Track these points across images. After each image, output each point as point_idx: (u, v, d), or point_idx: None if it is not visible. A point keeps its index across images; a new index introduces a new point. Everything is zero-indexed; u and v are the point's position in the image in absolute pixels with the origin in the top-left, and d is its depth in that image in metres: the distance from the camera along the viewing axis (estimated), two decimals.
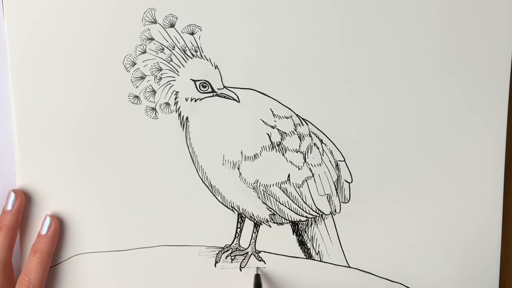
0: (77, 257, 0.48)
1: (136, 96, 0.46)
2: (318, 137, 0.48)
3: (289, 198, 0.48)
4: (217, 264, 0.49)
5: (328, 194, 0.49)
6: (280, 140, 0.47)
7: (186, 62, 0.46)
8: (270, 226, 0.49)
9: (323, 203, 0.49)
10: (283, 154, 0.48)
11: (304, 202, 0.49)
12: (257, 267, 0.49)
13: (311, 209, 0.49)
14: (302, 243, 0.50)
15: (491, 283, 0.51)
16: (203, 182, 0.48)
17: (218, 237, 0.49)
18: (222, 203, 0.48)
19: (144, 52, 0.45)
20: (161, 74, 0.46)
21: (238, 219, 0.49)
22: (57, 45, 0.45)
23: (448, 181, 0.49)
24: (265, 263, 0.49)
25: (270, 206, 0.48)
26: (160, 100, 0.46)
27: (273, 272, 0.50)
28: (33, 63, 0.45)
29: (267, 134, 0.47)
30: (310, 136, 0.48)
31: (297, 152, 0.48)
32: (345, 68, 0.47)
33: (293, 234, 0.50)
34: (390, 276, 0.50)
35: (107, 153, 0.47)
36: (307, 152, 0.48)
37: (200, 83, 0.46)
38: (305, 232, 0.50)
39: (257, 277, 0.49)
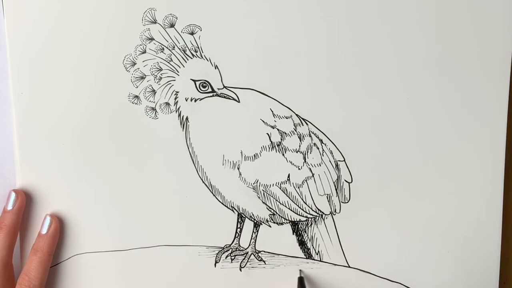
0: (77, 257, 0.48)
1: (136, 96, 0.46)
2: (318, 137, 0.48)
3: (289, 198, 0.48)
4: (217, 264, 0.49)
5: (328, 194, 0.49)
6: (280, 140, 0.47)
7: (186, 62, 0.46)
8: (270, 226, 0.49)
9: (323, 203, 0.49)
10: (283, 154, 0.48)
11: (304, 202, 0.49)
12: (300, 270, 0.49)
13: (311, 209, 0.49)
14: (302, 243, 0.50)
15: (491, 283, 0.51)
16: (203, 182, 0.48)
17: (218, 237, 0.49)
18: (222, 203, 0.48)
19: (144, 52, 0.45)
20: (161, 74, 0.46)
21: (238, 219, 0.49)
22: (57, 45, 0.45)
23: (448, 180, 0.49)
24: (265, 263, 0.49)
25: (270, 206, 0.48)
26: (160, 100, 0.46)
27: (273, 272, 0.50)
28: (33, 63, 0.45)
29: (267, 134, 0.47)
30: (310, 136, 0.48)
31: (297, 152, 0.48)
32: (345, 68, 0.47)
33: (293, 234, 0.50)
34: (390, 276, 0.50)
35: (107, 153, 0.47)
36: (307, 152, 0.48)
37: (200, 83, 0.46)
38: (305, 232, 0.50)
39: (301, 280, 0.48)
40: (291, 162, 0.48)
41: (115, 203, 0.47)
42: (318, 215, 0.49)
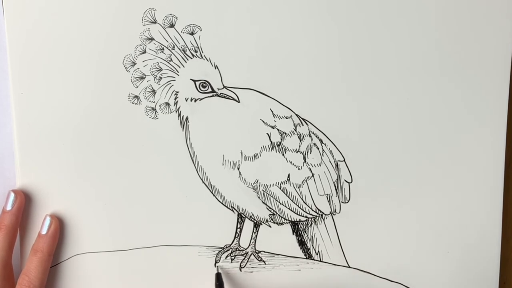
0: (77, 257, 0.48)
1: (136, 96, 0.46)
2: (318, 137, 0.48)
3: (289, 198, 0.48)
4: (217, 264, 0.49)
5: (328, 194, 0.49)
6: (280, 140, 0.47)
7: (186, 62, 0.46)
8: (270, 226, 0.49)
9: (323, 203, 0.49)
10: (283, 154, 0.48)
11: (304, 202, 0.49)
12: (218, 266, 0.49)
13: (311, 209, 0.49)
14: (302, 243, 0.50)
15: (491, 283, 0.51)
16: (203, 182, 0.48)
17: (218, 237, 0.49)
18: (222, 203, 0.48)
19: (144, 52, 0.45)
20: (161, 74, 0.46)
21: (238, 219, 0.49)
22: (57, 45, 0.45)
23: (448, 181, 0.49)
24: (265, 263, 0.49)
25: (270, 206, 0.48)
26: (160, 100, 0.46)
27: (273, 272, 0.50)
28: (33, 63, 0.45)
29: (267, 134, 0.47)
30: (310, 136, 0.48)
31: (297, 152, 0.48)
32: (345, 68, 0.47)
33: (293, 234, 0.50)
34: (390, 276, 0.50)
35: (107, 153, 0.47)
36: (307, 152, 0.48)
37: (200, 83, 0.46)
38: (305, 232, 0.50)
39: (218, 276, 0.48)
40: (291, 162, 0.48)
41: (115, 203, 0.47)
42: (318, 215, 0.49)
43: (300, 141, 0.48)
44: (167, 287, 0.49)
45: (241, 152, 0.47)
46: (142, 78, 0.46)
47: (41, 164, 0.46)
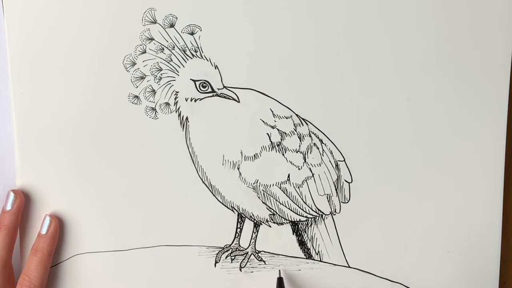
0: (77, 257, 0.48)
1: (136, 96, 0.46)
2: (318, 137, 0.48)
3: (289, 198, 0.48)
4: (217, 264, 0.49)
5: (328, 194, 0.49)
6: (280, 140, 0.47)
7: (186, 62, 0.46)
8: (270, 226, 0.49)
9: (323, 203, 0.49)
10: (283, 154, 0.48)
11: (304, 202, 0.49)
12: (280, 270, 0.49)
13: (311, 209, 0.49)
14: (302, 243, 0.50)
15: (491, 283, 0.51)
16: (203, 182, 0.48)
17: (218, 237, 0.49)
18: (222, 203, 0.48)
19: (144, 52, 0.45)
20: (161, 74, 0.46)
21: (238, 219, 0.49)
22: (57, 45, 0.45)
23: (448, 181, 0.49)
24: (265, 263, 0.49)
25: (270, 206, 0.48)
26: (160, 100, 0.46)
27: (273, 272, 0.50)
28: (33, 63, 0.45)
29: (267, 134, 0.47)
30: (310, 136, 0.48)
31: (297, 152, 0.48)
32: (345, 69, 0.47)
33: (293, 234, 0.50)
34: (390, 276, 0.50)
35: (107, 153, 0.47)
36: (307, 152, 0.48)
37: (200, 83, 0.46)
38: (305, 232, 0.50)
39: (280, 281, 0.48)
40: (291, 162, 0.48)
41: (115, 203, 0.47)
42: (318, 215, 0.49)
43: (300, 141, 0.48)
44: (167, 287, 0.49)
45: (241, 152, 0.47)
46: (142, 78, 0.46)
47: (41, 164, 0.46)
